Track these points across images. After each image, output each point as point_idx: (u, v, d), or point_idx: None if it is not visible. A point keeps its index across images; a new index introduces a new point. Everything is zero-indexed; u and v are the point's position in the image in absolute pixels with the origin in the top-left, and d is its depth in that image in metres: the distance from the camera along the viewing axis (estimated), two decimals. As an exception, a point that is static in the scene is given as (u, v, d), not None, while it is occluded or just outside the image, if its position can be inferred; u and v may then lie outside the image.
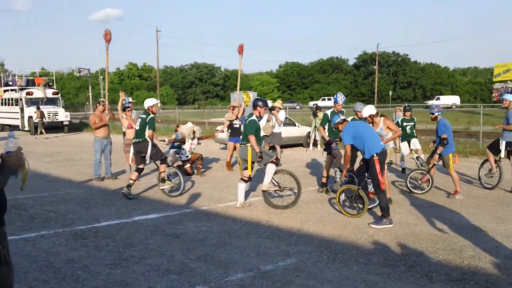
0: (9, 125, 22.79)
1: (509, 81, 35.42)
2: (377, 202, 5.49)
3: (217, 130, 10.56)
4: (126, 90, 53.62)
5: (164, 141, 8.81)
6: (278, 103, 10.58)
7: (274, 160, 5.91)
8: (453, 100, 47.43)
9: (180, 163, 8.72)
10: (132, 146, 6.96)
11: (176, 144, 8.76)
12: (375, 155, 5.16)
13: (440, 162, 6.80)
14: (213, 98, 65.87)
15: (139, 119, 6.79)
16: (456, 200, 6.43)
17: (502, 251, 4.21)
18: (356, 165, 6.44)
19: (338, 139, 6.70)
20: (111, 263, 3.95)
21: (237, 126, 9.20)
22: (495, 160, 7.16)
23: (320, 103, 41.41)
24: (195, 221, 5.36)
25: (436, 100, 46.49)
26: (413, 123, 9.09)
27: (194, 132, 8.76)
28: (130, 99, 8.60)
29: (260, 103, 6.07)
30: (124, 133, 8.58)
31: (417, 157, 8.87)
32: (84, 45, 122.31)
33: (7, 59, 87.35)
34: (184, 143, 8.69)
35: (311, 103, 45.64)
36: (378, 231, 4.89)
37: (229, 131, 9.45)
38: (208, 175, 8.91)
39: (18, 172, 1.91)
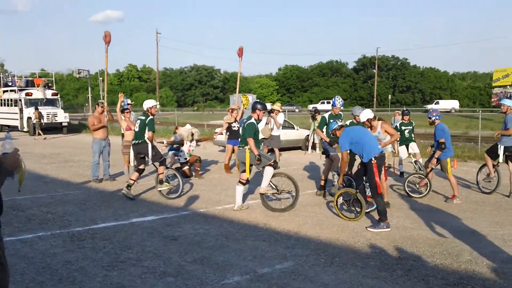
0: (8, 126, 22.77)
1: (508, 86, 35.54)
2: (375, 206, 5.49)
3: (216, 133, 10.55)
4: (126, 92, 53.53)
5: (163, 143, 8.81)
6: (277, 106, 10.59)
7: (272, 163, 5.91)
8: (452, 104, 47.59)
9: (178, 165, 8.72)
10: (131, 147, 6.96)
11: (174, 146, 8.76)
12: (373, 158, 5.17)
13: (438, 166, 6.82)
14: (213, 100, 65.93)
15: (138, 121, 6.80)
16: (454, 205, 6.44)
17: (499, 255, 4.21)
18: (354, 168, 6.45)
19: (336, 143, 6.71)
20: (108, 265, 3.94)
21: (236, 128, 9.20)
22: (493, 164, 7.17)
23: (319, 106, 41.48)
24: (193, 224, 5.36)
25: (435, 104, 46.64)
26: (411, 127, 9.11)
27: (192, 134, 8.77)
28: (129, 101, 8.61)
29: (259, 106, 6.08)
30: (122, 135, 8.57)
31: (415, 161, 8.89)
32: (84, 46, 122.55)
33: (7, 59, 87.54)
34: (182, 145, 8.69)
35: (310, 106, 45.71)
36: (376, 235, 4.89)
37: (228, 133, 9.45)
38: (206, 178, 8.90)
39: (14, 173, 1.92)
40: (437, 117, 6.75)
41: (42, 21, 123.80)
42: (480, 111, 16.76)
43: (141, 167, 6.83)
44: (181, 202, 6.58)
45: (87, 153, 11.93)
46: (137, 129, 6.74)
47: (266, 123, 9.89)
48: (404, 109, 9.69)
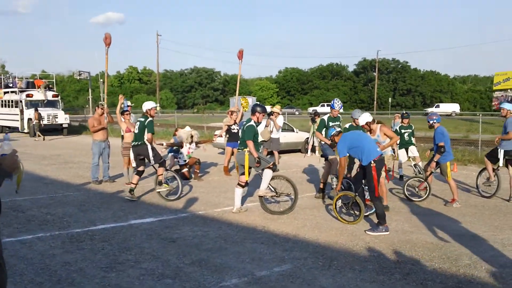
0: (9, 127, 22.80)
1: (509, 90, 35.54)
2: (374, 209, 5.49)
3: (216, 135, 10.57)
4: (126, 94, 53.61)
5: (162, 145, 8.82)
6: (277, 108, 10.60)
7: (271, 166, 5.92)
8: (452, 108, 47.54)
9: (177, 167, 8.73)
10: (131, 149, 6.98)
11: (174, 148, 8.77)
12: (372, 161, 5.18)
13: (438, 170, 6.82)
14: (213, 102, 66.01)
15: (138, 123, 6.83)
16: (453, 208, 6.44)
17: (498, 260, 4.21)
18: (354, 172, 6.46)
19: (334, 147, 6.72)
20: (107, 267, 3.94)
21: (235, 131, 9.22)
22: (493, 168, 7.17)
23: (319, 109, 41.54)
24: (191, 226, 5.36)
25: (435, 107, 46.61)
26: (410, 130, 9.12)
27: (192, 136, 8.78)
28: (129, 103, 8.64)
29: (258, 109, 6.09)
30: (122, 137, 8.59)
31: (414, 165, 8.89)
32: (84, 48, 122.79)
33: (8, 61, 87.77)
34: (182, 147, 8.71)
35: (310, 109, 45.76)
36: (374, 238, 4.88)
37: (227, 136, 9.46)
38: (206, 180, 8.91)
39: (12, 174, 1.92)
40: (435, 121, 6.75)
41: (43, 22, 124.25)
42: (481, 115, 16.74)
43: (141, 169, 6.85)
44: (180, 204, 6.58)
45: (87, 154, 11.94)
46: (136, 131, 6.76)
47: (265, 126, 9.90)
48: (404, 112, 9.70)
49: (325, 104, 49.35)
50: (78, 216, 5.80)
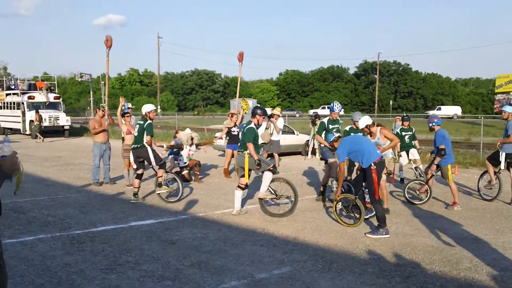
0: (11, 129, 22.87)
1: (511, 92, 35.49)
2: (374, 212, 5.48)
3: (216, 137, 10.58)
4: (127, 96, 53.93)
5: (163, 147, 8.84)
6: (277, 111, 10.62)
7: (271, 168, 5.92)
8: (454, 110, 47.47)
9: (178, 169, 8.74)
10: (131, 152, 7.00)
11: (175, 150, 8.79)
12: (372, 164, 5.18)
13: (439, 173, 6.81)
14: (213, 105, 66.08)
15: (137, 125, 6.85)
16: (454, 211, 6.42)
17: (499, 263, 4.19)
18: (354, 174, 6.45)
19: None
20: (107, 268, 3.95)
21: (235, 133, 9.23)
22: (495, 171, 7.15)
23: (320, 111, 41.47)
24: (191, 228, 5.36)
25: (437, 110, 46.55)
26: (411, 133, 9.12)
27: (192, 139, 8.80)
28: (130, 105, 8.66)
29: (259, 111, 6.10)
30: (123, 139, 8.61)
31: (415, 167, 8.88)
32: (86, 50, 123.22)
33: (10, 63, 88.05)
34: (182, 149, 8.72)
35: (311, 111, 45.75)
36: (374, 241, 4.88)
37: (227, 138, 9.47)
38: (206, 182, 8.91)
39: (12, 176, 1.94)
40: (434, 124, 6.74)
41: (45, 24, 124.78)
42: (482, 118, 16.68)
43: (140, 171, 6.88)
44: (180, 206, 6.59)
45: (88, 156, 11.97)
46: (136, 134, 6.79)
47: (266, 128, 9.91)
48: (404, 114, 9.70)
49: (326, 106, 49.35)
50: (79, 217, 5.81)
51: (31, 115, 20.76)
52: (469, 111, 57.07)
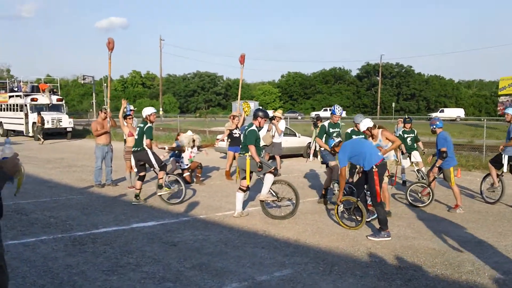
0: (14, 131, 22.98)
1: (514, 94, 35.37)
2: (376, 214, 5.46)
3: (218, 139, 10.60)
4: (129, 98, 54.07)
5: (164, 148, 8.86)
6: (279, 113, 10.62)
7: (273, 170, 5.92)
8: (457, 112, 47.33)
9: (179, 171, 8.75)
10: (132, 154, 7.03)
11: (176, 152, 8.80)
12: (374, 166, 5.17)
13: (441, 176, 6.78)
14: (215, 107, 66.17)
15: (138, 128, 6.88)
16: (456, 214, 6.39)
17: (502, 266, 4.17)
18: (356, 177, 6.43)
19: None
20: (108, 270, 3.96)
21: (237, 135, 9.24)
22: (498, 174, 7.13)
23: (322, 113, 41.46)
24: (192, 230, 5.36)
25: (440, 112, 46.42)
26: (413, 135, 9.10)
27: (193, 141, 8.81)
28: (132, 107, 8.69)
29: (260, 114, 6.11)
30: (125, 141, 8.64)
31: (417, 170, 8.85)
32: (89, 53, 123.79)
33: (13, 65, 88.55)
34: (183, 151, 8.73)
35: (313, 114, 45.72)
36: (376, 244, 4.86)
37: (229, 140, 9.48)
38: (207, 184, 8.92)
39: (13, 178, 1.95)
40: (435, 126, 6.71)
41: (48, 27, 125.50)
42: (485, 120, 16.61)
43: (142, 174, 6.90)
44: (181, 208, 6.59)
45: (90, 158, 12.01)
46: (136, 137, 6.82)
47: (267, 130, 9.92)
48: (406, 117, 9.68)
49: (328, 108, 49.32)
50: (81, 219, 5.83)
51: (34, 117, 20.86)
52: (472, 113, 56.90)
